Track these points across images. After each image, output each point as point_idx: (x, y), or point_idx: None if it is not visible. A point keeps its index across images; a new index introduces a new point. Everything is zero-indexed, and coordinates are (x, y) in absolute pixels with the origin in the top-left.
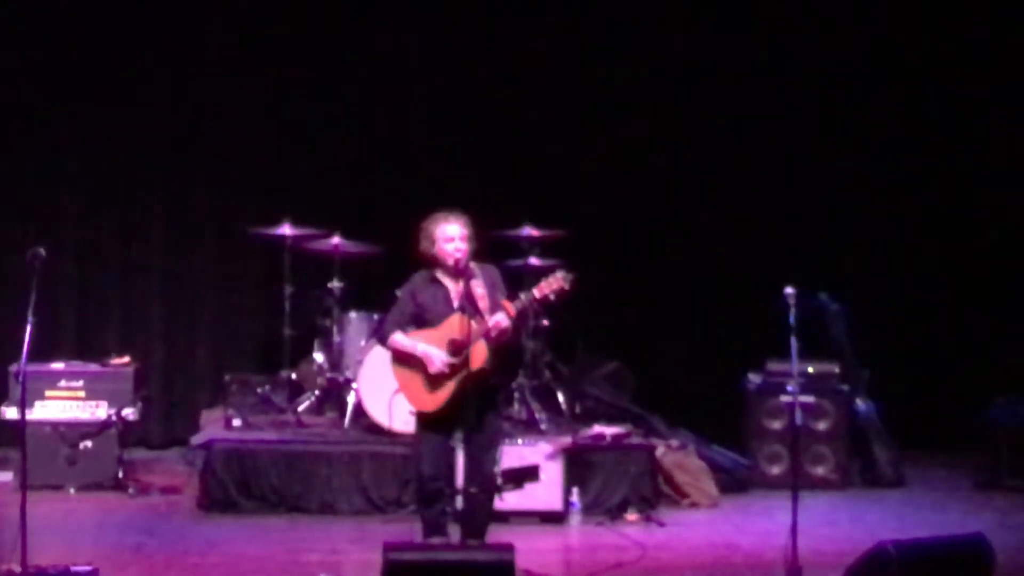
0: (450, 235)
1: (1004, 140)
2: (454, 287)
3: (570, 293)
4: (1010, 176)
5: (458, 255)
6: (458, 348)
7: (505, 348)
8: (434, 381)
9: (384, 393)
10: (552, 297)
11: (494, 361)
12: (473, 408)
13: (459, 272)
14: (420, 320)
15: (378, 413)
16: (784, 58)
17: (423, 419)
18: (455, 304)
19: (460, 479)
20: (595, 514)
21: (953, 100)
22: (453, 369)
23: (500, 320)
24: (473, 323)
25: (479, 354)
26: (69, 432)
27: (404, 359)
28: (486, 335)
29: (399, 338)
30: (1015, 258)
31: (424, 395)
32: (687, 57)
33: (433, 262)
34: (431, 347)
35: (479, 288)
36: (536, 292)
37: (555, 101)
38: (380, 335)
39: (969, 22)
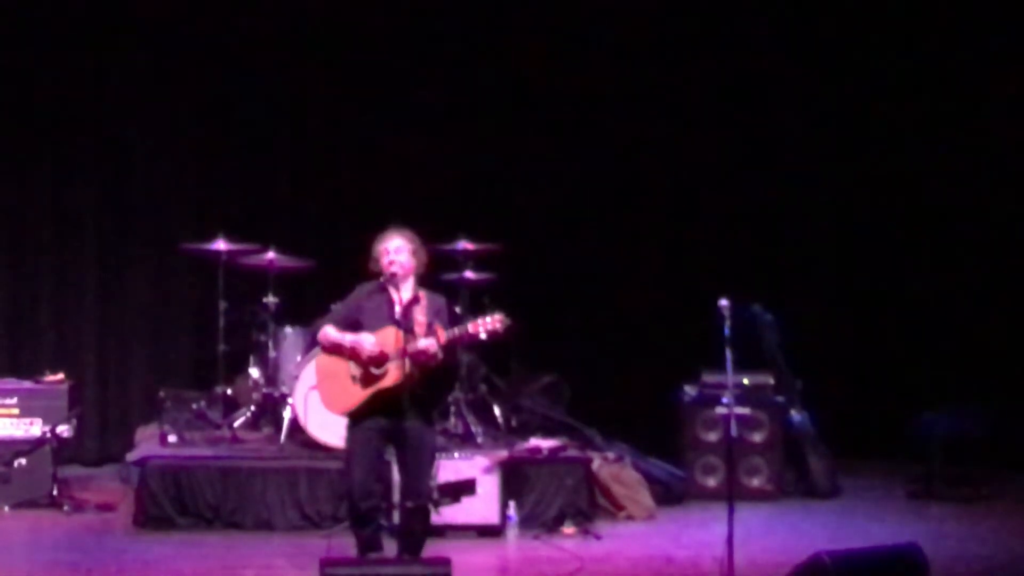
0: (385, 247)
1: (940, 153)
2: (397, 299)
3: (503, 337)
4: (945, 188)
5: (393, 267)
6: (379, 360)
7: (437, 366)
8: (352, 384)
9: (320, 410)
10: (484, 336)
11: (415, 378)
12: (404, 422)
13: (395, 283)
14: (358, 326)
15: (314, 428)
16: (719, 71)
17: (352, 424)
18: (396, 314)
19: (396, 494)
20: (532, 527)
21: (888, 115)
22: (370, 378)
23: (428, 346)
24: (403, 339)
25: (398, 371)
26: (3, 450)
27: (331, 353)
28: (409, 354)
29: (329, 330)
30: (949, 269)
31: (337, 396)
32: (621, 70)
33: (380, 276)
34: (361, 337)
35: (420, 315)
36: (470, 327)
37: (490, 115)
38: (315, 329)
39: (905, 38)
